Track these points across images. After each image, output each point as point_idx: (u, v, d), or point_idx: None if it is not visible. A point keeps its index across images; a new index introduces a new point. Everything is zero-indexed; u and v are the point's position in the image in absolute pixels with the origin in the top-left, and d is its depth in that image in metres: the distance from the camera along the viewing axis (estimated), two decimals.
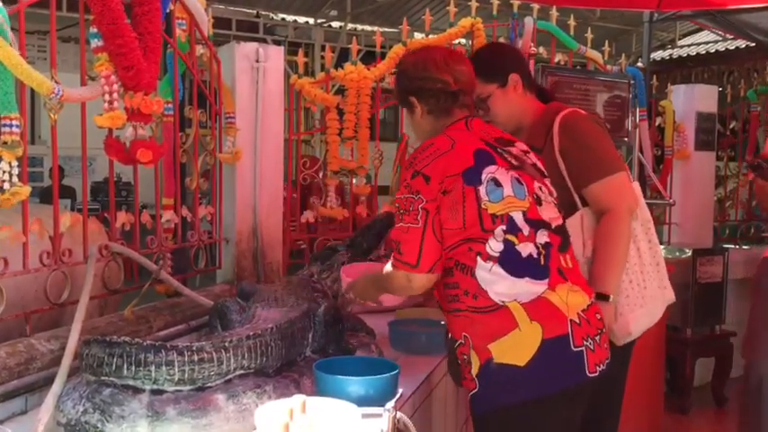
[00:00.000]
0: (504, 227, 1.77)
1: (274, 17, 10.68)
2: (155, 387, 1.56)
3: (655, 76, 5.64)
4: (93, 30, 1.96)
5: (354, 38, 4.21)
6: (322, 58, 4.79)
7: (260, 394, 1.66)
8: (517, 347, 1.74)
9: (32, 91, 1.82)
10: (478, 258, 1.76)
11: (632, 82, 4.06)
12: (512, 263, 1.76)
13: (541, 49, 4.04)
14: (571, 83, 3.80)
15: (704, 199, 5.10)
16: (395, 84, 2.06)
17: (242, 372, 1.67)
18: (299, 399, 1.40)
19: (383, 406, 1.55)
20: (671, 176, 4.96)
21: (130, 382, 1.56)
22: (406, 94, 1.98)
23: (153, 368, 1.55)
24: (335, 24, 11.03)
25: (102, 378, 1.57)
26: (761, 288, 3.36)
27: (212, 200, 2.96)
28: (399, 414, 1.59)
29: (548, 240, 1.83)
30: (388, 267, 1.88)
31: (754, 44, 8.81)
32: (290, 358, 1.86)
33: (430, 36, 3.85)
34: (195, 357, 1.59)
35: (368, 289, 2.12)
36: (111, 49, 1.96)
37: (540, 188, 1.89)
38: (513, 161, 1.88)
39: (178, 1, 2.55)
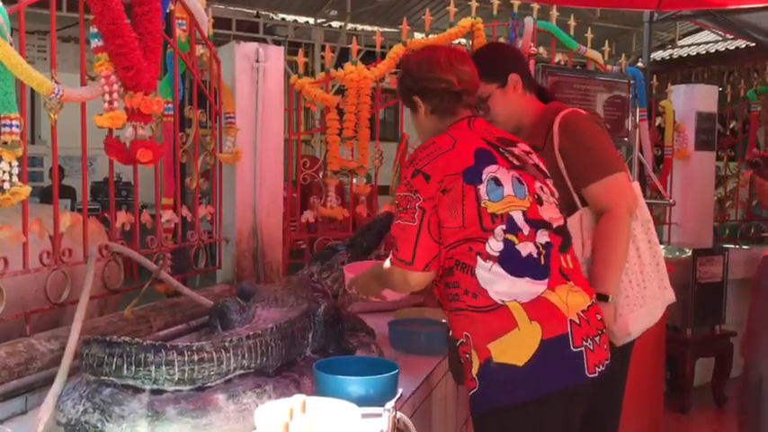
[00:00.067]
0: (503, 226, 1.77)
1: (274, 17, 10.66)
2: (155, 387, 1.56)
3: (655, 76, 5.63)
4: (93, 30, 1.96)
5: (354, 38, 4.21)
6: (322, 58, 4.79)
7: (260, 394, 1.66)
8: (516, 347, 1.73)
9: (32, 91, 1.83)
10: (478, 258, 1.76)
11: (632, 82, 4.05)
12: (511, 262, 1.76)
13: (541, 49, 4.03)
14: (571, 83, 3.80)
15: (704, 199, 5.10)
16: (398, 83, 2.06)
17: (242, 372, 1.68)
18: (299, 399, 1.40)
19: (383, 406, 1.55)
20: (671, 176, 4.96)
21: (130, 382, 1.56)
22: (410, 93, 1.98)
23: (153, 368, 1.55)
24: (335, 24, 11.02)
25: (102, 378, 1.58)
26: (761, 288, 3.36)
27: (212, 200, 2.96)
28: (399, 414, 1.59)
29: (548, 240, 1.82)
30: (387, 264, 1.89)
31: (754, 44, 8.80)
32: (290, 358, 1.86)
33: (430, 36, 3.84)
34: (195, 357, 1.59)
35: (370, 284, 2.12)
36: (111, 49, 1.96)
37: (542, 188, 1.89)
38: (515, 161, 1.88)
39: (178, 1, 2.55)
